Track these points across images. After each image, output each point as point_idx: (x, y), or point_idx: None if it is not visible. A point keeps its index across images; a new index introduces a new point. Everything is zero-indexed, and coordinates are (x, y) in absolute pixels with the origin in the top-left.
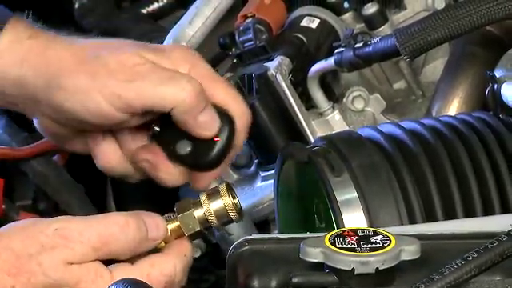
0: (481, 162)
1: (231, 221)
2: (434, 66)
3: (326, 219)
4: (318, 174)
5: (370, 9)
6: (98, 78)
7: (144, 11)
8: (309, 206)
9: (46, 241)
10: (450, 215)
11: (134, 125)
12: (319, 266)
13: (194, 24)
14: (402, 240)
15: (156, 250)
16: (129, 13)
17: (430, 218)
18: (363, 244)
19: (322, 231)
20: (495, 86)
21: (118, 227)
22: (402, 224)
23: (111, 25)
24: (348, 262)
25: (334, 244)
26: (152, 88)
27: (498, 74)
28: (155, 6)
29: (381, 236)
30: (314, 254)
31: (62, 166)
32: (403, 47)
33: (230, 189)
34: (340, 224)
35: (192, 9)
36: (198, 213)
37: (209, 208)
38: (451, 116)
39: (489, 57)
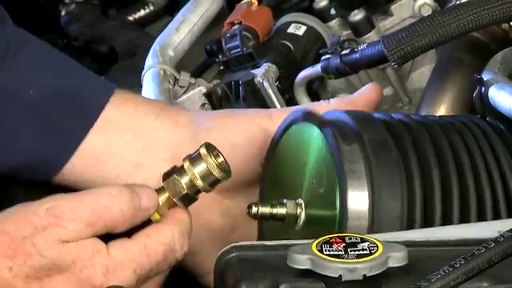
0: (477, 163)
1: (217, 180)
2: (421, 73)
3: (326, 186)
4: (329, 138)
5: (357, 15)
6: None
7: (130, 18)
8: (307, 172)
9: (39, 221)
10: (446, 212)
11: None
12: (306, 273)
13: (180, 31)
14: (389, 247)
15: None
16: (115, 20)
17: (428, 207)
18: (350, 251)
19: (319, 197)
20: (483, 89)
21: (110, 198)
22: (402, 204)
23: (97, 32)
24: (335, 268)
25: (321, 251)
26: None
27: (485, 77)
28: (142, 13)
29: (368, 243)
30: (301, 261)
31: None
32: (391, 53)
33: (212, 149)
34: (344, 191)
35: (179, 16)
36: (184, 179)
37: (193, 172)
38: (446, 116)
39: (475, 63)
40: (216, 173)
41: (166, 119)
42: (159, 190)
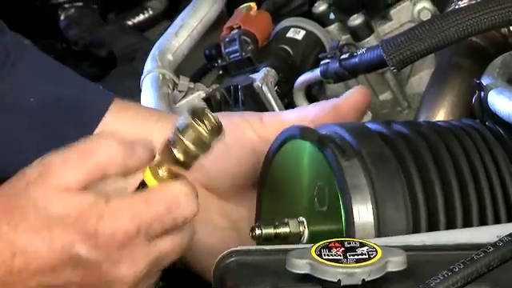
0: (476, 169)
1: (209, 145)
2: (420, 77)
3: (330, 202)
4: (329, 155)
5: (356, 20)
6: None
7: (130, 23)
8: (306, 191)
9: (30, 173)
10: (450, 219)
11: None
12: (306, 278)
13: (179, 35)
14: (388, 251)
15: None
16: (114, 24)
17: (431, 214)
18: (349, 255)
19: (322, 214)
20: (482, 93)
21: (100, 140)
22: (407, 215)
23: (96, 36)
24: (334, 273)
25: (320, 255)
26: None
27: (484, 81)
28: (141, 17)
29: (367, 247)
30: (300, 266)
31: None
32: (390, 58)
33: (197, 113)
34: (348, 206)
35: (178, 20)
36: (178, 151)
37: (184, 142)
38: (444, 121)
39: (475, 68)
40: (205, 138)
41: (165, 123)
42: (157, 164)
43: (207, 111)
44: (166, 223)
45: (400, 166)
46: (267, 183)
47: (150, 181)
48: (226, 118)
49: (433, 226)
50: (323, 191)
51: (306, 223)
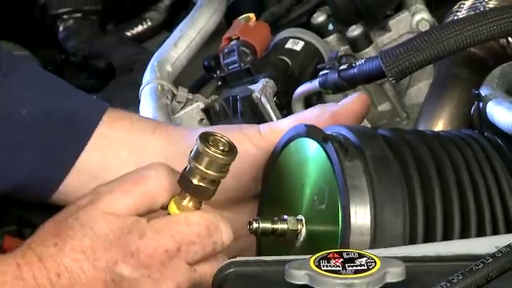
0: (476, 179)
1: (226, 164)
2: (419, 88)
3: (328, 201)
4: (331, 154)
5: (355, 31)
6: None
7: (128, 34)
8: (308, 188)
9: (81, 201)
10: (447, 228)
11: None
12: None
13: (178, 46)
14: (386, 262)
15: None
16: (113, 36)
17: (429, 224)
18: (348, 266)
19: (321, 213)
20: (480, 104)
21: (151, 170)
22: (404, 221)
23: (95, 47)
24: (333, 284)
25: (318, 266)
26: None
27: (483, 92)
28: (140, 28)
29: (366, 258)
30: (298, 277)
31: None
32: (389, 69)
33: (208, 137)
34: (346, 206)
35: (177, 31)
36: (195, 176)
37: (199, 168)
38: (444, 131)
39: (473, 78)
40: (221, 160)
41: (162, 134)
42: (180, 196)
43: (216, 134)
44: (206, 246)
45: (402, 172)
46: (271, 179)
47: (175, 212)
48: (225, 133)
49: (430, 235)
50: (324, 190)
51: (304, 221)
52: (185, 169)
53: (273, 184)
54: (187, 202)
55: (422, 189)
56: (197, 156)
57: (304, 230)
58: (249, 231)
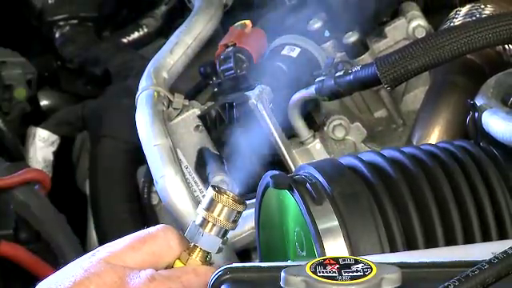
0: (461, 190)
1: (239, 212)
2: (415, 95)
3: (307, 247)
4: (299, 202)
5: (351, 38)
6: None
7: (125, 40)
8: (290, 235)
9: (87, 254)
10: (431, 243)
11: None
12: None
13: (174, 53)
14: (383, 268)
15: None
16: (109, 42)
17: (411, 245)
18: (344, 272)
19: (303, 259)
20: (476, 114)
21: (159, 231)
22: (384, 252)
23: (92, 54)
24: None
25: (315, 272)
26: None
27: (478, 102)
28: (136, 35)
29: (362, 264)
30: (295, 283)
31: (44, 195)
32: (384, 76)
33: (220, 189)
34: (321, 252)
35: (173, 38)
36: (208, 229)
37: (213, 217)
38: (431, 144)
39: (469, 85)
40: (235, 207)
41: None
42: (188, 251)
43: (223, 188)
44: None
45: (375, 201)
46: (261, 227)
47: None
48: None
49: None
50: (301, 236)
51: None
52: (193, 223)
53: (263, 232)
54: (195, 255)
55: (396, 214)
56: (209, 206)
57: None
58: None
